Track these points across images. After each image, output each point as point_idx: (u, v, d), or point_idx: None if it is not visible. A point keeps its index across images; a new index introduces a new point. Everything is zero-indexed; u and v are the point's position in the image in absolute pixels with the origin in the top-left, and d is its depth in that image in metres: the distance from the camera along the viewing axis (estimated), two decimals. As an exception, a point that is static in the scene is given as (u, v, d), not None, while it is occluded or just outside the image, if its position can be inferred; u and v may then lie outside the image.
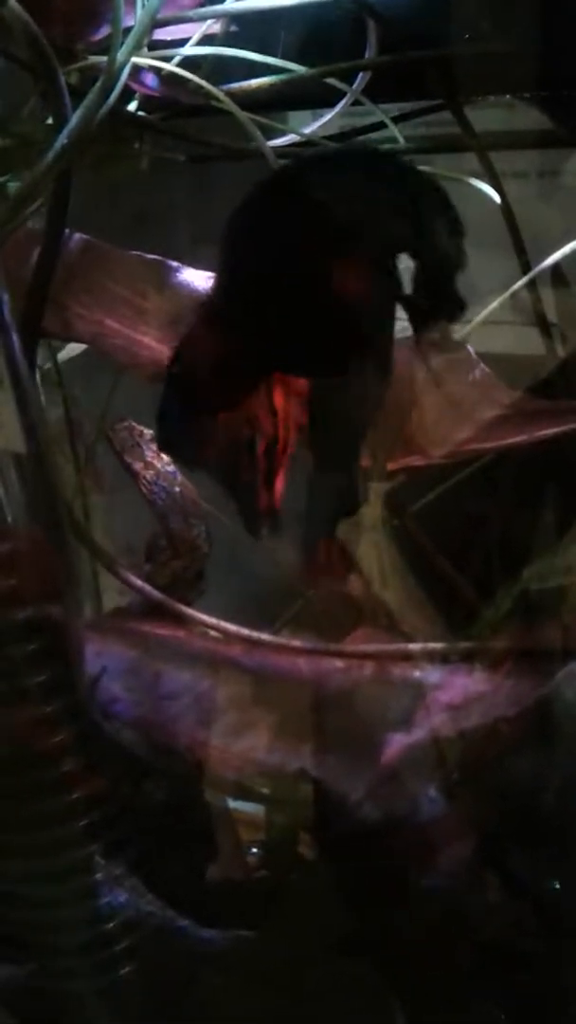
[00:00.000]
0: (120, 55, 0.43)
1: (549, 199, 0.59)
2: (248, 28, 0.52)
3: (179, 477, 0.58)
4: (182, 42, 0.52)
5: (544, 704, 0.41)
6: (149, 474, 0.58)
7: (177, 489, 0.58)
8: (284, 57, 0.52)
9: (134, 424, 0.57)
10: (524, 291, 0.51)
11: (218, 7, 0.48)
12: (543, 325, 0.51)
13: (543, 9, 0.45)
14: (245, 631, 0.45)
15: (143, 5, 0.46)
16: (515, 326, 0.53)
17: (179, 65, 0.51)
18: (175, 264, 0.46)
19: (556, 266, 0.51)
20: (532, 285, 0.51)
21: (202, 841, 0.50)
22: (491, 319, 0.50)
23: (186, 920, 0.46)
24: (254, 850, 0.52)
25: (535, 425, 0.43)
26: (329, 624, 0.52)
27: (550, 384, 0.51)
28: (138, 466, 0.58)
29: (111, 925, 0.46)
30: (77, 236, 0.47)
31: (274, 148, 0.48)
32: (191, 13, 0.47)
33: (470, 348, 0.44)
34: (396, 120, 0.52)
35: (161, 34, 0.51)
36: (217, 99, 0.46)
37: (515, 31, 0.46)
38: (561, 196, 0.59)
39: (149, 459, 0.58)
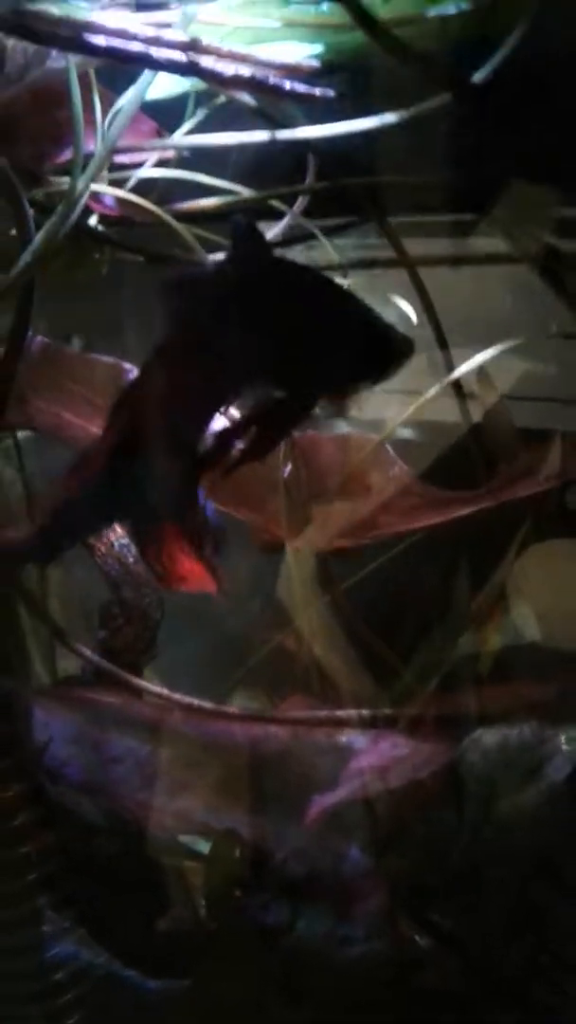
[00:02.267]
0: (80, 183, 0.49)
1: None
2: (201, 153, 0.58)
3: (132, 550, 0.62)
4: (141, 163, 0.58)
5: (453, 767, 0.45)
6: (103, 547, 0.62)
7: (131, 560, 0.62)
8: (234, 177, 0.58)
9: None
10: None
11: (172, 139, 0.54)
12: (458, 391, 0.56)
13: (456, 145, 0.51)
14: (183, 698, 0.49)
15: (103, 136, 0.52)
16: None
17: (138, 184, 0.57)
18: (127, 365, 0.51)
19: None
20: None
21: (150, 894, 0.53)
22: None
23: (132, 970, 0.49)
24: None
25: (445, 510, 0.48)
26: (284, 684, 0.56)
27: (462, 447, 0.56)
28: (92, 539, 0.62)
29: (60, 975, 0.49)
30: (39, 339, 0.52)
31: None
32: (146, 144, 0.53)
33: (389, 447, 0.49)
34: (328, 233, 0.58)
35: (122, 156, 0.57)
36: (163, 220, 0.52)
37: (433, 163, 0.52)
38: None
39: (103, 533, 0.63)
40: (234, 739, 0.49)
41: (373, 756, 0.47)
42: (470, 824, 0.45)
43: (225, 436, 0.41)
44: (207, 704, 0.50)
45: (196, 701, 0.49)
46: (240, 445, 0.41)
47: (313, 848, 0.45)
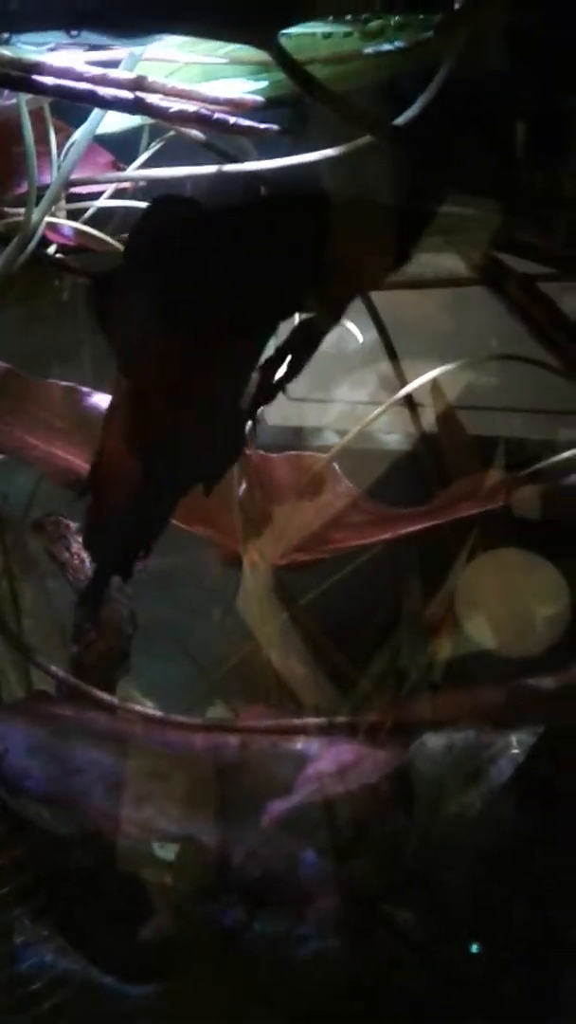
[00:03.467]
0: (35, 215, 0.51)
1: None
2: (157, 184, 0.60)
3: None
4: (99, 194, 0.60)
5: (402, 772, 0.47)
6: (75, 563, 0.63)
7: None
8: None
9: (61, 519, 0.63)
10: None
11: (127, 172, 0.56)
12: (410, 404, 0.58)
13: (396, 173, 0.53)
14: (145, 710, 0.51)
15: (58, 168, 0.54)
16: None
17: (96, 213, 0.59)
18: (85, 389, 0.53)
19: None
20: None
21: (127, 903, 0.54)
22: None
23: (110, 977, 0.50)
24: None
25: (392, 527, 0.50)
26: (248, 695, 0.58)
27: (415, 456, 0.58)
28: (64, 556, 0.63)
29: (38, 984, 0.50)
30: (0, 365, 0.54)
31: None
32: (100, 176, 0.55)
33: (336, 466, 0.51)
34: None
35: (78, 188, 0.59)
36: (117, 249, 0.54)
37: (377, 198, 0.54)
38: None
39: (75, 550, 0.64)
40: (194, 749, 0.51)
41: (327, 762, 0.49)
42: (419, 825, 0.46)
43: (267, 368, 0.43)
44: (169, 716, 0.51)
45: (159, 713, 0.51)
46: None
47: (269, 851, 0.47)
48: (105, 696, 0.51)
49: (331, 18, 0.41)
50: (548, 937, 0.50)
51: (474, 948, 0.50)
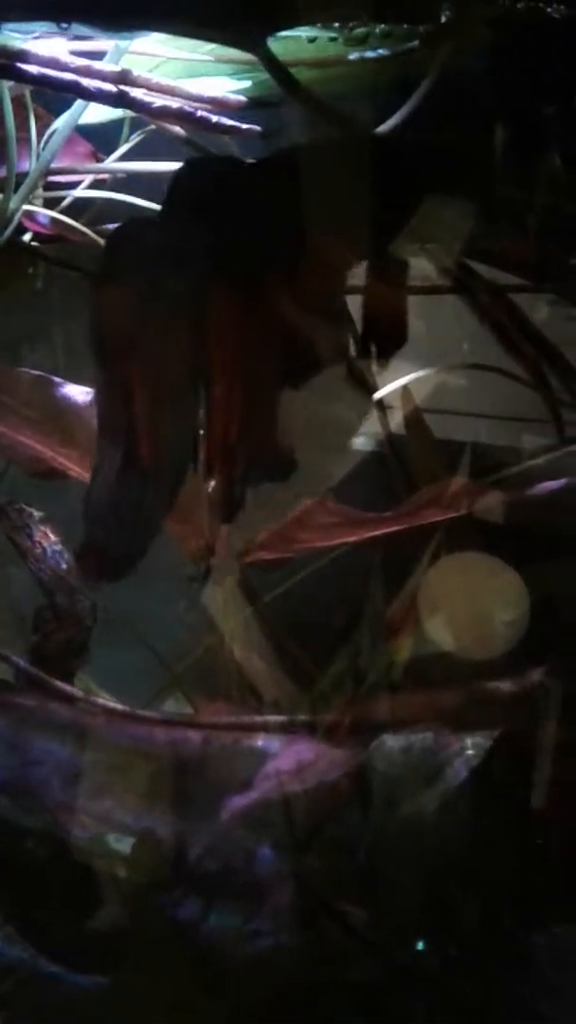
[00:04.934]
0: (13, 202, 0.51)
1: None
2: (137, 176, 0.60)
3: (66, 556, 0.64)
4: (77, 183, 0.60)
5: (359, 771, 0.47)
6: (37, 552, 0.63)
7: (64, 566, 0.64)
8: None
9: (24, 507, 0.63)
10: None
11: (106, 163, 0.56)
12: (379, 406, 0.58)
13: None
14: (106, 702, 0.51)
15: (38, 156, 0.54)
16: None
17: (73, 203, 0.59)
18: (56, 379, 0.53)
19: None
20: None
21: (78, 893, 0.54)
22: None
23: (58, 967, 0.51)
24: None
25: (358, 530, 0.50)
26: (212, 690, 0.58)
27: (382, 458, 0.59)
28: (26, 545, 0.63)
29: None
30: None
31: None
32: (79, 167, 0.55)
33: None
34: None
35: (57, 177, 0.59)
36: (94, 240, 0.53)
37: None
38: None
39: (37, 539, 0.64)
40: (155, 743, 0.51)
41: (286, 760, 0.49)
42: (374, 825, 0.47)
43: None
44: (130, 708, 0.51)
45: (119, 705, 0.51)
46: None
47: (226, 846, 0.47)
48: (66, 687, 0.51)
49: (319, 24, 0.42)
50: (496, 936, 0.51)
51: (423, 946, 0.51)
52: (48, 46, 0.48)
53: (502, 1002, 0.50)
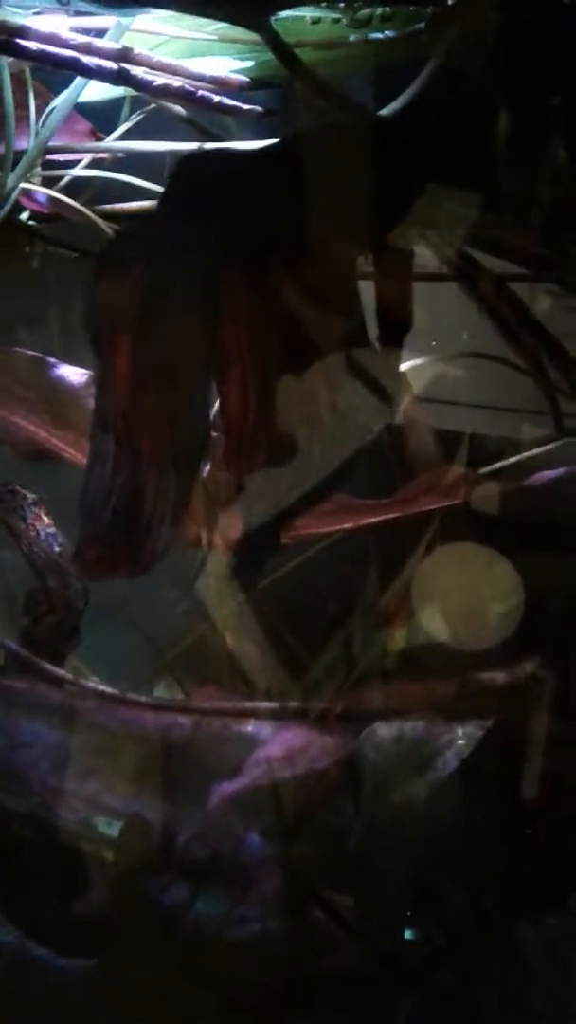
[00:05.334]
0: (11, 180, 0.50)
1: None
2: (138, 155, 0.59)
3: (59, 539, 0.63)
4: (76, 162, 0.59)
5: (350, 759, 0.47)
6: (30, 535, 0.63)
7: (56, 550, 0.63)
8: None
9: (17, 488, 0.63)
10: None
11: (105, 142, 0.55)
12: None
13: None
14: (95, 685, 0.51)
15: (36, 134, 0.53)
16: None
17: (72, 182, 0.58)
18: (51, 360, 0.52)
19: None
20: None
21: (64, 876, 0.54)
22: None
23: (43, 950, 0.51)
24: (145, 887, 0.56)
25: (354, 517, 0.50)
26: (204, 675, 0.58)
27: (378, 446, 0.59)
28: (19, 527, 0.63)
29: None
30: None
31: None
32: (77, 146, 0.54)
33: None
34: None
35: (55, 156, 0.58)
36: (93, 220, 0.53)
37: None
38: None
39: (30, 521, 0.63)
40: (144, 727, 0.51)
41: (276, 746, 0.49)
42: (364, 813, 0.47)
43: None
44: (116, 692, 0.51)
45: (108, 689, 0.51)
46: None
47: (214, 832, 0.47)
48: (57, 670, 0.51)
49: (323, 4, 0.41)
50: (484, 925, 0.51)
51: (411, 935, 0.51)
52: (49, 22, 0.48)
53: (488, 991, 0.50)
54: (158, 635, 0.63)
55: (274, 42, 0.39)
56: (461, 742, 0.48)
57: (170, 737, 0.50)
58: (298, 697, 0.55)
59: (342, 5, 0.41)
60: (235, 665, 0.57)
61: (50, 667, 0.51)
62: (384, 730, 0.47)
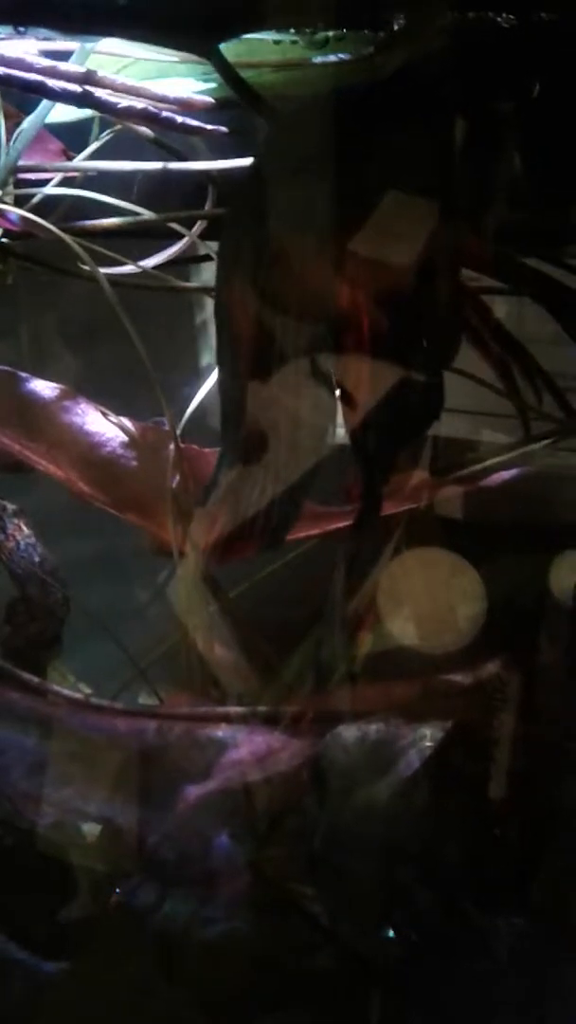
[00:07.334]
0: (-19, 199, 0.52)
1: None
2: (109, 174, 0.60)
3: (39, 548, 0.65)
4: (48, 181, 0.61)
5: (316, 762, 0.48)
6: (10, 544, 0.64)
7: (37, 559, 0.64)
8: (138, 198, 0.61)
9: (-3, 499, 0.64)
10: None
11: (75, 162, 0.56)
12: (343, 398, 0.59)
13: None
14: (69, 693, 0.52)
15: (7, 153, 0.54)
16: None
17: (44, 201, 0.59)
18: (24, 375, 0.54)
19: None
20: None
21: (47, 880, 0.55)
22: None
23: (25, 953, 0.51)
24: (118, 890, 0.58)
25: (319, 523, 0.51)
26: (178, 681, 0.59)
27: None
28: (-1, 537, 0.64)
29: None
30: None
31: (113, 275, 0.57)
32: (47, 165, 0.55)
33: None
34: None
35: (27, 175, 0.59)
36: (62, 238, 0.54)
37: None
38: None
39: (10, 531, 0.64)
40: (117, 733, 0.52)
41: (244, 750, 0.50)
42: (328, 814, 0.48)
43: None
44: (91, 699, 0.52)
45: (79, 696, 0.52)
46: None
47: (183, 834, 0.48)
48: (30, 678, 0.52)
49: (272, 30, 0.42)
50: (451, 923, 0.52)
51: (379, 933, 0.52)
52: (17, 46, 0.49)
53: (456, 987, 0.51)
54: (133, 643, 0.64)
55: (223, 69, 0.40)
56: (425, 743, 0.49)
57: (142, 742, 0.51)
58: (268, 701, 0.56)
59: (292, 31, 0.43)
60: (207, 671, 0.58)
61: (22, 674, 0.52)
62: (348, 732, 0.49)
